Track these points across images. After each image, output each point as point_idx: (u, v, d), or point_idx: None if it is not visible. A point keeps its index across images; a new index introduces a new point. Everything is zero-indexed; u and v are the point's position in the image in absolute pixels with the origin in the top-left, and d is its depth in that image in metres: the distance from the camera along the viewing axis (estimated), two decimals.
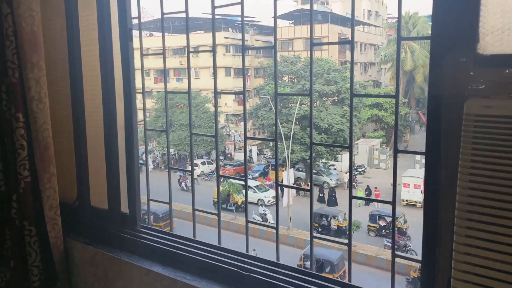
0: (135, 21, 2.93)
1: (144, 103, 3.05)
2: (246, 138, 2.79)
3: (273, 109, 29.52)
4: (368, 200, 23.64)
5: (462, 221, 1.41)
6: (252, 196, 25.83)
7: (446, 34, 1.49)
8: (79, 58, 2.71)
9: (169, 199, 3.17)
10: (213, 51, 2.80)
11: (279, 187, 2.60)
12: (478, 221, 1.38)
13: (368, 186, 27.29)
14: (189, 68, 2.91)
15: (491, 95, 1.38)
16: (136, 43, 2.76)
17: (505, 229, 1.34)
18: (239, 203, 25.21)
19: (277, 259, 2.43)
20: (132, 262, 2.44)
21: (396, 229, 20.51)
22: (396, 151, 2.12)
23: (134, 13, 2.83)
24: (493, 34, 1.39)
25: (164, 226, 20.55)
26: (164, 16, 2.89)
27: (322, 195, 27.08)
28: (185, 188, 28.35)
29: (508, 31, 1.37)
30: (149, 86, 42.03)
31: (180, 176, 29.25)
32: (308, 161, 29.34)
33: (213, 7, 2.75)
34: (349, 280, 2.21)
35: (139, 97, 2.91)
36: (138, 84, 2.95)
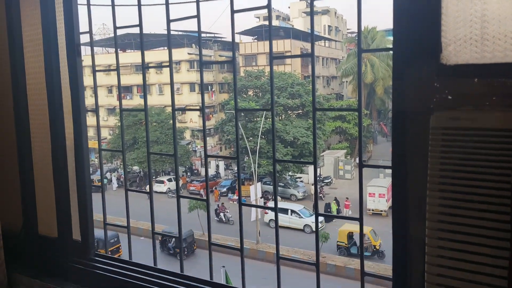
0: (97, 37, 2.78)
1: (98, 122, 2.86)
2: (206, 156, 2.66)
3: (239, 124, 29.54)
4: (334, 217, 23.53)
5: (433, 240, 1.34)
6: (297, 222, 23.71)
7: (408, 45, 1.43)
8: (23, 75, 2.51)
9: (127, 223, 2.98)
10: (170, 66, 2.66)
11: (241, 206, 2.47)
12: (449, 240, 1.30)
13: (335, 198, 27.48)
14: (144, 85, 2.77)
15: (458, 107, 1.32)
16: (97, 60, 2.60)
17: (478, 248, 1.27)
18: (377, 247, 20.08)
19: (243, 285, 2.30)
20: None
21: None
22: (361, 166, 2.05)
23: (94, 30, 2.68)
24: (455, 44, 1.34)
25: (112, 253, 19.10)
26: (126, 32, 2.74)
27: None
28: (224, 219, 25.36)
29: (470, 41, 1.32)
30: (112, 103, 41.08)
31: (218, 206, 26.34)
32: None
33: (168, 21, 2.63)
34: None
35: (101, 113, 2.74)
36: (97, 101, 2.79)
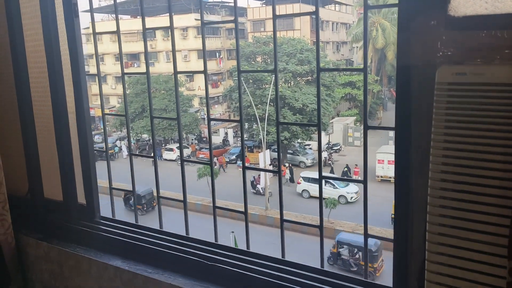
0: (102, 3, 2.70)
1: (100, 88, 2.82)
2: (209, 120, 2.63)
3: (247, 91, 29.10)
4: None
5: (436, 199, 1.30)
6: (331, 193, 22.08)
7: None
8: (22, 39, 2.46)
9: (132, 188, 3.00)
10: (171, 30, 2.59)
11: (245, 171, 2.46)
12: (452, 199, 1.27)
13: (347, 164, 27.45)
14: (146, 51, 2.70)
15: (465, 61, 1.25)
16: (101, 26, 2.54)
17: (481, 206, 1.23)
18: None
19: (247, 247, 2.31)
20: (89, 257, 2.27)
21: None
22: (366, 128, 2.00)
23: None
24: None
25: None
26: None
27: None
28: (261, 191, 23.78)
29: None
30: (120, 70, 40.57)
31: (254, 177, 24.69)
32: (284, 141, 29.34)
33: None
34: (322, 266, 2.11)
35: (109, 81, 2.70)
36: (103, 68, 2.73)
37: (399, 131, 1.51)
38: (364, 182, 2.12)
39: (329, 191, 22.49)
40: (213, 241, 2.33)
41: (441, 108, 1.27)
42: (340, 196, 22.71)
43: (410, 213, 1.50)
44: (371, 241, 16.04)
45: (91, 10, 2.70)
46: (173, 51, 2.42)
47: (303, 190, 23.78)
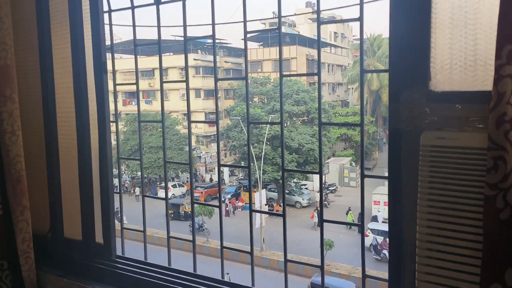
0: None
1: (117, 132, 3.08)
2: (219, 165, 2.86)
3: (244, 130, 29.41)
4: (337, 223, 22.82)
5: (423, 243, 1.54)
6: None
7: (402, 73, 1.64)
8: (53, 90, 2.74)
9: (143, 227, 3.19)
10: (186, 83, 2.88)
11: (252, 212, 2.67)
12: (437, 243, 1.50)
13: (349, 207, 26.98)
14: (162, 103, 2.98)
15: (444, 128, 1.52)
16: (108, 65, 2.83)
17: (463, 250, 1.47)
18: None
19: (252, 284, 2.49)
20: None
21: None
22: (363, 176, 2.25)
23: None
24: (442, 73, 1.55)
25: None
26: (131, 38, 2.97)
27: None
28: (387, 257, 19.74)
29: (455, 70, 1.53)
30: (118, 108, 41.29)
31: (377, 241, 20.95)
32: (280, 181, 29.50)
33: (185, 35, 2.85)
34: None
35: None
36: (116, 113, 3.01)
37: (392, 183, 1.75)
38: (361, 226, 2.35)
39: None
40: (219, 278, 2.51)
41: (426, 166, 1.53)
42: None
43: (402, 256, 1.72)
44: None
45: (112, 51, 2.99)
46: (188, 106, 2.69)
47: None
